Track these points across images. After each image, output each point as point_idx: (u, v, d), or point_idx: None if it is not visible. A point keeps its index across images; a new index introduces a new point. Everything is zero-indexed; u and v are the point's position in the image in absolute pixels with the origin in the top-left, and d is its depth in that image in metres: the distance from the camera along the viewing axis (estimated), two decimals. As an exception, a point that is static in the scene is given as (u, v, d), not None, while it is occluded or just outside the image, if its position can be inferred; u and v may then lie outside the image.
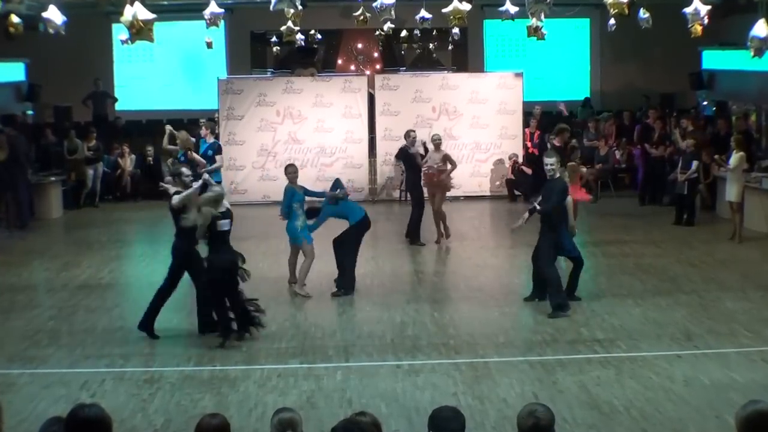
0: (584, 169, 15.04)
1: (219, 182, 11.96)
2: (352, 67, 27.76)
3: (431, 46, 28.45)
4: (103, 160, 19.66)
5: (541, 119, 19.88)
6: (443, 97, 19.15)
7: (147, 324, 9.83)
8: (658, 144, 18.21)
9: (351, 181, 18.51)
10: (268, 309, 10.91)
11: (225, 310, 9.53)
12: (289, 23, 12.24)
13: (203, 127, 15.51)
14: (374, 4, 11.87)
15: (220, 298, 9.49)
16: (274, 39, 25.49)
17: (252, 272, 12.58)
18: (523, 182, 18.59)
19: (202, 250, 9.77)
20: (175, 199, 9.61)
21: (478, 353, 9.24)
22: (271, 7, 10.59)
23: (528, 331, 9.95)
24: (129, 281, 12.90)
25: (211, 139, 15.16)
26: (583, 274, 11.15)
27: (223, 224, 9.43)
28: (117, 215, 18.18)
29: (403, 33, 24.15)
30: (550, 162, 10.59)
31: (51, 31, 10.41)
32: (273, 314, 10.61)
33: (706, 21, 10.81)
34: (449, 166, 14.57)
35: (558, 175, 10.69)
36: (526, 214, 10.75)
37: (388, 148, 18.98)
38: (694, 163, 15.64)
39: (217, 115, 19.29)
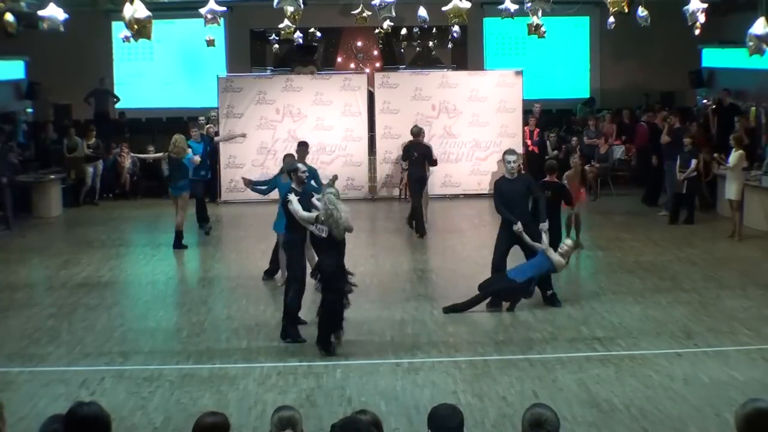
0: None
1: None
2: (352, 65, 27.70)
3: (431, 44, 28.40)
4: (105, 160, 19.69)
5: (541, 117, 19.86)
6: (443, 95, 19.13)
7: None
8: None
9: (350, 179, 18.53)
10: (267, 307, 10.97)
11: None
12: (286, 21, 12.18)
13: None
14: (374, 2, 11.86)
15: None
16: (273, 37, 25.44)
17: (250, 271, 12.68)
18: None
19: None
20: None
21: (478, 351, 9.23)
22: (274, 4, 10.55)
23: (527, 329, 9.93)
24: (128, 279, 12.88)
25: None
26: (583, 272, 11.15)
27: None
28: (117, 213, 18.16)
29: (403, 31, 24.12)
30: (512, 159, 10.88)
31: (46, 27, 10.35)
32: (272, 312, 10.62)
33: (702, 19, 10.80)
34: None
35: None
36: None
37: (387, 146, 18.97)
38: (693, 162, 15.61)
39: (216, 112, 19.28)
